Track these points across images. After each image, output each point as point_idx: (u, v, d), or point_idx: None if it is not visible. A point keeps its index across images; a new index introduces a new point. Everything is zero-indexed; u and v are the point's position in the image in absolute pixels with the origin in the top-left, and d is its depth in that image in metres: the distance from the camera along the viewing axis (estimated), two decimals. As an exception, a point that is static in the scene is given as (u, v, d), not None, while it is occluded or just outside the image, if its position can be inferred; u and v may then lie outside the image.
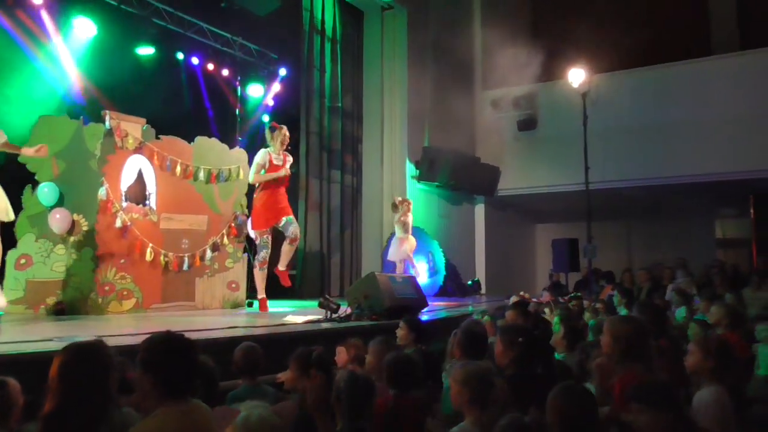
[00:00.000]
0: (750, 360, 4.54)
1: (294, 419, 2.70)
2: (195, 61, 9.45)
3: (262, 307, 7.08)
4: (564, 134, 12.14)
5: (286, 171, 7.02)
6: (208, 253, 7.43)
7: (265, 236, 7.01)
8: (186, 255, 7.16)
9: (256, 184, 7.03)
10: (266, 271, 7.13)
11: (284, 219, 7.03)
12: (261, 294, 7.12)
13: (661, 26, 13.10)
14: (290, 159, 7.29)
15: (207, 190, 7.56)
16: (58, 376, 2.18)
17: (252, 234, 7.25)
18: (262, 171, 6.97)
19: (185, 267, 7.12)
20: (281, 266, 7.14)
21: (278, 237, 7.21)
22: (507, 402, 2.78)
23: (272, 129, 7.16)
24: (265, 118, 10.60)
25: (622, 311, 6.61)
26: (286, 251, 7.11)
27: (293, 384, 3.23)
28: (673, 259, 11.32)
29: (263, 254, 7.03)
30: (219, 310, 7.39)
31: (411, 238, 9.80)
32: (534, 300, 8.91)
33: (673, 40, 12.88)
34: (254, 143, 10.44)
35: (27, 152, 5.60)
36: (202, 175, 7.45)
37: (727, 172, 11.28)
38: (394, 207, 9.93)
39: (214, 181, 7.61)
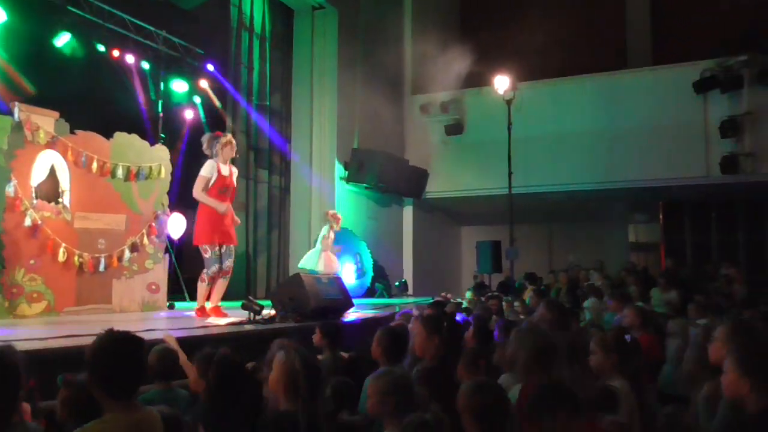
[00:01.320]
0: (662, 356, 4.81)
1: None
2: (116, 53, 9.05)
3: (201, 314, 6.51)
4: (490, 140, 12.48)
5: (227, 209, 6.55)
6: (127, 254, 7.15)
7: (216, 249, 6.51)
8: (102, 255, 6.86)
9: (201, 198, 6.46)
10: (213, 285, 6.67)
11: (228, 247, 6.62)
12: (201, 303, 6.59)
13: (582, 38, 13.70)
14: (235, 171, 6.85)
15: (126, 189, 7.27)
16: None
17: (198, 246, 6.60)
18: (209, 184, 6.45)
19: (101, 268, 6.82)
20: (214, 302, 6.63)
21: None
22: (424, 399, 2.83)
23: (215, 138, 6.59)
24: (190, 115, 10.29)
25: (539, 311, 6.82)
26: (221, 286, 6.65)
27: (196, 386, 3.17)
28: (590, 262, 11.87)
29: (215, 268, 6.52)
30: (138, 313, 7.12)
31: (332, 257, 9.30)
32: (458, 300, 9.13)
33: (593, 52, 13.50)
34: (178, 140, 10.14)
35: None
36: (120, 172, 7.17)
37: (639, 179, 11.92)
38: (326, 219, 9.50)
39: (133, 179, 7.34)
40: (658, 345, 5.09)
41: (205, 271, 6.53)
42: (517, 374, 3.22)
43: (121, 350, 2.16)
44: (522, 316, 6.66)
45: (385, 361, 3.60)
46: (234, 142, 6.74)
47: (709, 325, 4.30)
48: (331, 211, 9.44)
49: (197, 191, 6.45)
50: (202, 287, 6.57)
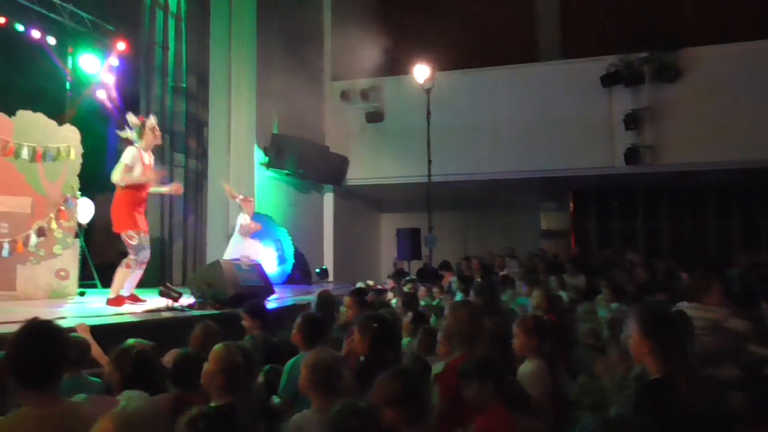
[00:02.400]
0: (568, 336, 5.10)
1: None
2: (20, 27, 8.48)
3: (117, 303, 6.27)
4: (409, 128, 12.66)
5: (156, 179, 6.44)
6: (33, 239, 6.79)
7: (142, 234, 6.32)
8: (6, 240, 6.47)
9: (122, 184, 6.23)
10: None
11: (146, 236, 6.45)
12: (116, 293, 6.35)
13: (496, 30, 14.15)
14: (152, 158, 6.60)
15: (31, 170, 6.88)
16: None
17: (120, 233, 6.35)
18: (133, 173, 6.22)
19: (5, 253, 6.45)
20: (128, 291, 6.43)
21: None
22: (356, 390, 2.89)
23: (141, 125, 6.35)
24: (101, 94, 9.81)
25: (459, 296, 7.07)
26: (138, 276, 6.48)
27: (111, 378, 3.10)
28: (503, 249, 12.35)
29: (145, 254, 6.34)
30: (44, 300, 6.78)
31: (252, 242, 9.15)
32: (379, 287, 9.26)
33: (506, 44, 13.97)
34: (87, 121, 9.64)
35: None
36: (25, 152, 6.78)
37: (549, 169, 12.49)
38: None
39: (39, 160, 6.95)
40: (562, 325, 5.40)
41: (133, 258, 6.29)
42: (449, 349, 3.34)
43: (40, 340, 2.09)
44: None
45: (304, 347, 3.64)
46: (157, 128, 6.52)
47: (621, 308, 4.59)
48: (239, 197, 9.24)
49: (117, 175, 6.19)
50: (125, 274, 6.34)
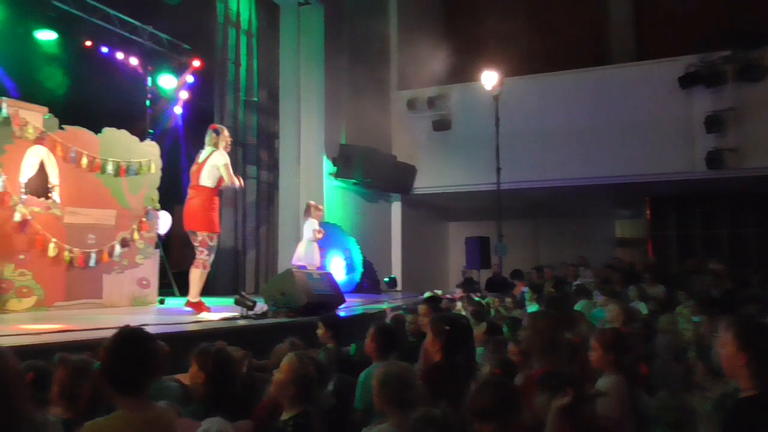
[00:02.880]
0: (647, 350, 4.88)
1: None
2: (104, 49, 8.98)
3: (199, 309, 6.48)
4: (477, 135, 12.53)
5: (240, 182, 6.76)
6: (117, 249, 7.12)
7: (216, 239, 6.61)
8: (93, 251, 6.82)
9: (212, 185, 6.52)
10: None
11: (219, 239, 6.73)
12: (197, 297, 6.55)
13: (567, 34, 13.82)
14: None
15: (115, 184, 7.23)
16: None
17: (195, 234, 6.57)
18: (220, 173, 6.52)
19: (92, 263, 6.78)
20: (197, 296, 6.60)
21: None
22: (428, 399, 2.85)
23: (217, 132, 6.67)
24: (178, 110, 10.24)
25: (533, 307, 6.91)
26: (204, 278, 6.68)
27: (194, 380, 3.18)
28: (576, 258, 11.98)
29: (213, 257, 6.65)
30: (128, 308, 7.09)
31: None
32: (447, 296, 9.18)
33: (577, 47, 13.62)
34: (165, 136, 10.09)
35: None
36: (110, 167, 7.13)
37: (625, 175, 12.04)
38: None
39: (123, 175, 7.30)
40: (644, 340, 5.16)
41: (206, 258, 6.53)
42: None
43: (133, 347, 2.17)
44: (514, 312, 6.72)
45: (378, 357, 3.63)
46: (228, 134, 6.83)
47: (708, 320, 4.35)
48: (311, 202, 9.42)
49: (230, 177, 6.49)
50: (201, 275, 6.55)
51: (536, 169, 12.48)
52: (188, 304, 6.54)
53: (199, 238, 6.50)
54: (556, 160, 12.34)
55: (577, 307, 7.33)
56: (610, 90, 12.18)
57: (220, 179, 6.55)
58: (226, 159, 6.55)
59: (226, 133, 6.75)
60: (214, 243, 6.56)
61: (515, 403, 2.36)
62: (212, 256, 6.61)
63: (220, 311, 6.39)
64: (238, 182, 6.68)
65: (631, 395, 3.34)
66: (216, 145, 6.60)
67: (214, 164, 6.50)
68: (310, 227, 9.15)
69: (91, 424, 2.06)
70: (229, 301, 6.56)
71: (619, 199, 14.10)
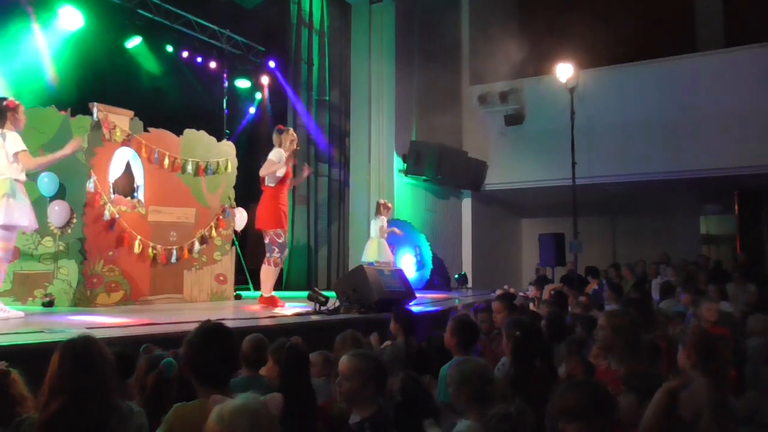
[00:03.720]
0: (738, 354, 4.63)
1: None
2: (185, 54, 9.38)
3: (271, 304, 6.65)
4: (551, 129, 12.20)
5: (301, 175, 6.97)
6: (197, 246, 7.42)
7: (283, 236, 6.72)
8: (174, 247, 7.14)
9: (273, 183, 6.65)
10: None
11: (287, 235, 6.85)
12: (269, 292, 6.73)
13: (648, 22, 13.23)
14: (295, 164, 7.05)
15: (195, 183, 7.53)
16: (59, 373, 2.15)
17: (267, 231, 6.74)
18: (280, 172, 6.66)
19: (173, 259, 7.10)
20: (270, 292, 6.76)
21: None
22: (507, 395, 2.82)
23: (280, 131, 6.79)
24: (252, 111, 10.56)
25: (611, 307, 6.67)
26: (276, 274, 6.84)
27: (270, 374, 3.26)
28: (657, 255, 11.48)
29: (286, 253, 6.83)
30: (207, 303, 7.38)
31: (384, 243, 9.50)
32: (520, 294, 9.01)
33: (659, 36, 13.01)
34: (242, 136, 10.41)
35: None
36: (190, 167, 7.43)
37: (712, 168, 11.41)
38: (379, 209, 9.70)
39: (202, 174, 7.59)
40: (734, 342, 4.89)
41: (278, 255, 6.68)
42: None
43: (215, 341, 2.26)
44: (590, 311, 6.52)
45: (459, 351, 3.61)
46: (295, 135, 6.93)
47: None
48: (381, 200, 9.61)
49: (265, 169, 6.58)
50: (272, 272, 6.70)
51: (614, 164, 12.03)
52: (261, 299, 6.72)
53: (268, 237, 6.67)
54: (636, 153, 11.86)
55: (662, 305, 7.05)
56: (696, 79, 11.57)
57: (285, 175, 6.68)
58: (275, 155, 6.61)
59: (290, 132, 6.83)
60: (282, 240, 6.68)
61: (607, 403, 2.25)
62: (284, 253, 6.75)
63: (293, 306, 6.54)
64: (276, 174, 6.61)
65: (719, 399, 3.18)
66: (280, 145, 6.71)
67: (269, 158, 6.67)
68: (377, 225, 9.28)
69: (179, 406, 2.16)
70: (302, 296, 6.70)
71: (704, 193, 13.39)
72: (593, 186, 11.92)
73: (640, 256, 11.76)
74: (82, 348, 2.24)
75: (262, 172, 6.62)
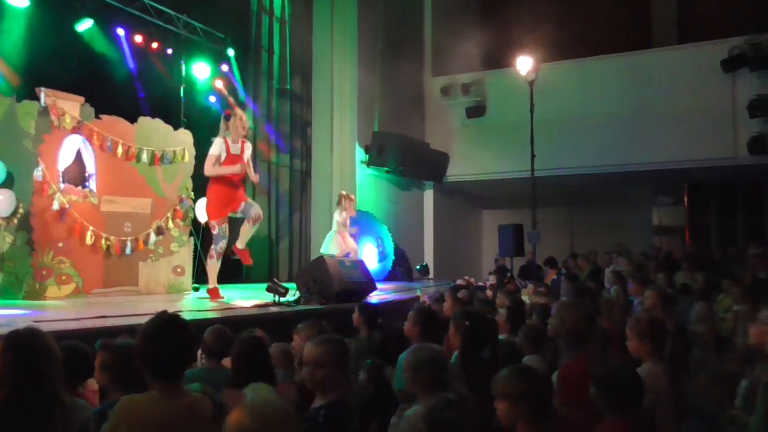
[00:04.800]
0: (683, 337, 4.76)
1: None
2: (138, 38, 9.08)
3: (214, 296, 6.66)
4: (511, 122, 12.31)
5: (242, 168, 6.60)
6: (152, 237, 7.24)
7: (223, 225, 6.62)
8: (129, 239, 6.95)
9: (213, 174, 6.56)
10: (220, 262, 6.77)
11: (242, 204, 6.68)
12: (213, 284, 6.72)
13: (606, 18, 13.46)
14: (249, 146, 6.87)
15: (150, 173, 7.34)
16: (3, 365, 2.10)
17: (208, 223, 6.81)
18: (218, 163, 6.55)
19: (128, 251, 6.91)
20: (240, 245, 6.77)
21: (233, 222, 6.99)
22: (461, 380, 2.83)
23: (227, 117, 6.65)
24: (212, 99, 10.32)
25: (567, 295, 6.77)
26: (246, 230, 6.77)
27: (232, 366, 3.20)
28: (612, 246, 11.74)
29: (222, 245, 6.64)
30: (164, 295, 7.22)
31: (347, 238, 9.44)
32: (480, 284, 9.11)
33: (617, 32, 13.26)
34: (200, 125, 10.16)
35: None
36: (145, 156, 7.24)
37: (665, 161, 11.72)
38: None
39: (158, 163, 7.40)
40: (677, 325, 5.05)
41: (213, 247, 6.66)
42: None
43: (170, 333, 2.18)
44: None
45: (420, 341, 3.60)
46: (244, 118, 6.79)
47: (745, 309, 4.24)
48: (342, 192, 9.43)
49: (207, 168, 6.54)
50: (211, 264, 6.69)
51: (573, 156, 12.24)
52: (208, 291, 6.71)
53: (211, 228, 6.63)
54: (594, 146, 12.08)
55: (612, 293, 7.21)
56: (651, 75, 11.84)
57: (220, 166, 6.55)
58: (213, 148, 6.51)
59: (237, 116, 6.66)
60: (215, 231, 6.60)
61: (542, 389, 2.33)
62: (219, 244, 6.62)
63: (253, 298, 6.45)
64: (214, 172, 6.52)
65: (674, 383, 3.26)
66: (227, 130, 6.59)
67: (208, 154, 6.57)
68: (338, 218, 9.17)
69: (128, 398, 2.09)
70: (263, 287, 6.62)
71: (657, 186, 13.74)
72: (552, 178, 12.10)
73: (597, 247, 12.01)
74: (28, 341, 2.16)
75: (208, 172, 6.54)
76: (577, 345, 3.10)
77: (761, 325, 3.04)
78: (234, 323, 4.77)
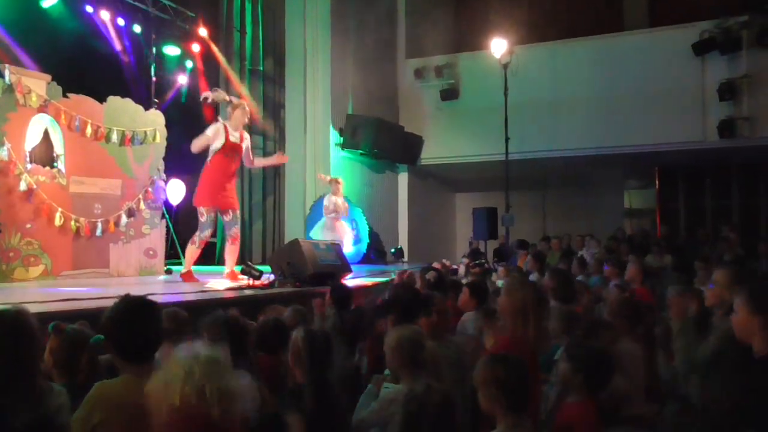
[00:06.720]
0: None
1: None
2: (105, 15, 8.83)
3: (188, 279, 6.59)
4: (485, 105, 12.34)
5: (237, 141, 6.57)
6: (123, 219, 7.12)
7: (211, 214, 6.55)
8: (99, 220, 6.82)
9: (208, 158, 6.51)
10: (201, 250, 6.71)
11: (231, 213, 6.66)
12: (188, 268, 6.66)
13: (579, 1, 13.51)
14: (248, 137, 6.81)
15: (120, 153, 7.20)
16: None
17: (196, 208, 6.68)
18: (214, 146, 6.49)
19: (98, 233, 6.79)
20: (229, 268, 6.74)
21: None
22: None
23: (229, 102, 6.66)
24: (183, 80, 10.13)
25: (533, 276, 6.84)
26: (231, 252, 6.75)
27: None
28: (584, 229, 11.91)
29: (207, 233, 6.59)
30: (135, 278, 7.11)
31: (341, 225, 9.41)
32: (454, 267, 9.17)
33: (589, 15, 13.32)
34: (171, 105, 9.98)
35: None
36: (115, 137, 7.09)
37: (636, 144, 11.88)
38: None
39: (128, 144, 7.26)
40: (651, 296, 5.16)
41: (197, 233, 6.58)
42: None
43: (137, 315, 2.16)
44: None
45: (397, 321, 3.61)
46: (247, 108, 6.74)
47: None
48: (327, 177, 9.41)
49: (193, 144, 6.49)
50: (191, 250, 6.62)
51: (546, 139, 12.33)
52: (181, 274, 6.64)
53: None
54: (566, 129, 12.18)
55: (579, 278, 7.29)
56: (622, 58, 11.94)
57: (217, 152, 6.49)
58: (210, 130, 6.49)
59: (241, 108, 6.66)
60: (203, 219, 6.54)
61: (521, 376, 2.31)
62: (205, 232, 6.57)
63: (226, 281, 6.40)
64: (197, 148, 6.53)
65: (649, 361, 3.33)
66: (229, 117, 6.62)
67: (204, 132, 6.55)
68: (325, 203, 9.17)
69: (100, 385, 2.07)
70: (237, 270, 6.56)
71: (629, 169, 13.94)
72: (525, 161, 12.19)
73: (569, 230, 12.16)
74: (14, 320, 2.10)
75: (194, 148, 6.50)
76: (519, 324, 3.04)
77: (717, 288, 3.13)
78: (207, 307, 4.73)
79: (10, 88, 6.04)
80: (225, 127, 6.50)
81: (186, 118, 9.77)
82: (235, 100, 6.71)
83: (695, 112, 11.37)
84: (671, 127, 11.44)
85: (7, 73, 6.05)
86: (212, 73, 10.50)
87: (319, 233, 9.14)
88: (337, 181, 9.28)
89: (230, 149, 6.51)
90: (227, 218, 6.70)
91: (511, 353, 2.46)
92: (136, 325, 2.14)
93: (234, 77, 10.50)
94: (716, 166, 13.15)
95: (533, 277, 6.81)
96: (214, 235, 7.27)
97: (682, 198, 13.74)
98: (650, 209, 14.18)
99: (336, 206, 9.15)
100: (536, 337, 2.87)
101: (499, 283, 6.85)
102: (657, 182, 13.89)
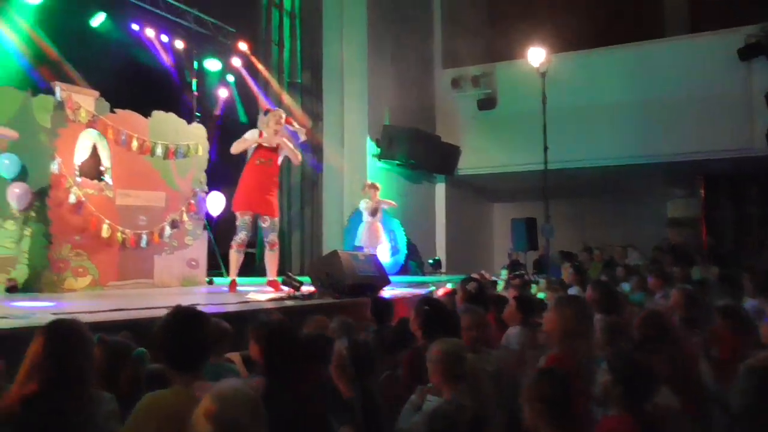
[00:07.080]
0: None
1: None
2: (150, 33, 9.10)
3: (232, 288, 6.67)
4: (523, 114, 12.22)
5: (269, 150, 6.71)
6: (167, 230, 7.27)
7: (245, 217, 6.65)
8: (144, 232, 6.98)
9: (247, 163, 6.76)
10: (243, 254, 6.80)
11: (269, 220, 6.75)
12: (233, 275, 6.76)
13: (617, 7, 13.33)
14: (287, 141, 6.89)
15: (164, 166, 7.37)
16: (44, 354, 2.10)
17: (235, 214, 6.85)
18: (249, 149, 6.79)
19: (143, 244, 6.95)
20: (270, 276, 6.85)
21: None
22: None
23: (265, 113, 6.89)
24: (224, 93, 10.34)
25: (574, 289, 6.71)
26: (270, 258, 6.86)
27: (254, 354, 3.20)
28: (624, 239, 11.67)
29: (242, 236, 6.67)
30: (178, 288, 7.25)
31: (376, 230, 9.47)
32: (494, 278, 9.08)
33: (628, 21, 13.12)
34: (212, 118, 10.20)
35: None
36: (159, 150, 7.26)
37: (678, 153, 11.60)
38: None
39: (171, 157, 7.43)
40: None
41: (234, 237, 6.70)
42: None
43: (188, 325, 2.21)
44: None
45: (423, 336, 3.59)
46: (281, 115, 6.88)
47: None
48: (367, 182, 9.51)
49: (233, 147, 6.73)
50: (232, 256, 6.74)
51: (585, 149, 12.14)
52: (229, 285, 6.75)
53: None
54: (607, 138, 11.97)
55: (627, 289, 7.11)
56: (664, 64, 11.70)
57: (252, 157, 6.71)
58: (248, 133, 6.75)
59: (274, 113, 6.87)
60: (238, 222, 6.68)
61: (566, 392, 2.28)
62: (239, 235, 6.68)
63: (268, 291, 6.47)
64: (237, 149, 6.76)
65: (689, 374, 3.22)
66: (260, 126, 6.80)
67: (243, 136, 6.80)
68: (361, 207, 9.26)
69: (151, 395, 2.12)
70: (278, 280, 6.63)
71: (671, 178, 13.62)
72: (564, 171, 12.01)
73: (608, 240, 11.94)
74: (69, 330, 2.19)
75: (233, 149, 6.74)
76: (568, 341, 3.01)
77: None
78: (250, 317, 4.79)
79: (60, 105, 6.26)
80: (260, 134, 6.68)
81: (226, 131, 9.97)
82: (271, 113, 6.86)
83: (741, 118, 11.04)
84: (716, 135, 11.14)
85: (58, 90, 6.27)
86: (253, 87, 10.68)
87: (360, 237, 9.26)
88: (374, 186, 9.36)
89: (264, 154, 6.63)
90: (264, 225, 6.80)
91: (559, 369, 2.43)
92: (187, 335, 2.20)
93: (276, 89, 10.67)
94: (764, 174, 12.74)
95: (574, 290, 6.69)
96: (252, 244, 7.38)
97: (729, 207, 13.34)
98: (692, 218, 13.81)
99: (375, 204, 9.24)
100: (584, 353, 2.83)
101: (541, 295, 6.77)
102: (702, 191, 13.53)
